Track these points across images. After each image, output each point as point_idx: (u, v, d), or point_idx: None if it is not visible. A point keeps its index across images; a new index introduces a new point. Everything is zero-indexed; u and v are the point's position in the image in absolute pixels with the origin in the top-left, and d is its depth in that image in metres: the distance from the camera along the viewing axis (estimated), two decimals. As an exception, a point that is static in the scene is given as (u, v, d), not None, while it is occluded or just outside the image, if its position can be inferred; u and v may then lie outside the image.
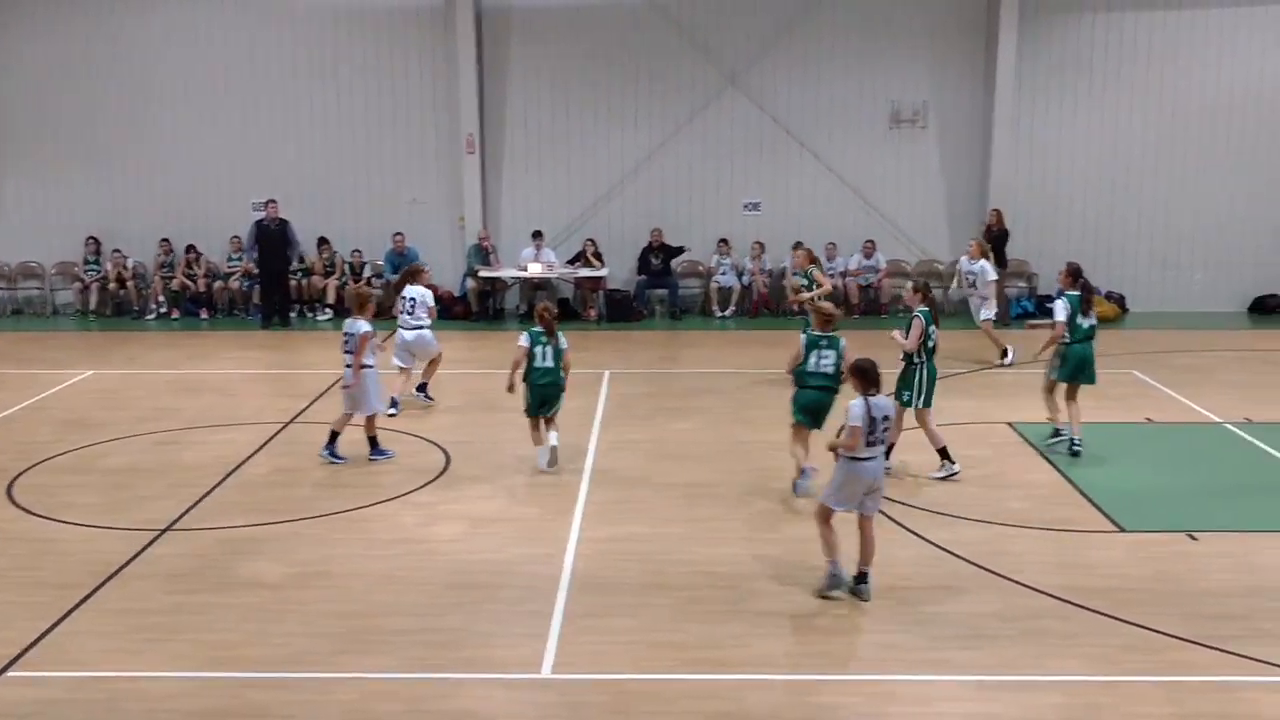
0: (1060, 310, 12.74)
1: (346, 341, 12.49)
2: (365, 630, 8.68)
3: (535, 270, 20.98)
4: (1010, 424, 14.00)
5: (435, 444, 13.33)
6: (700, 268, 22.20)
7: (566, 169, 22.05)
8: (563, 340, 12.38)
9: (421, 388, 15.06)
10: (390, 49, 21.76)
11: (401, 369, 14.90)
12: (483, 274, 21.18)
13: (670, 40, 21.60)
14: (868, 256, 21.66)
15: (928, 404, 11.90)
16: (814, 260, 16.82)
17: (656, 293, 21.91)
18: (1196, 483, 12.12)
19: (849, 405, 8.93)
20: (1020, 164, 21.57)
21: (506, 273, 21.45)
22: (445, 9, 21.40)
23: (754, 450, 13.02)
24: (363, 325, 12.47)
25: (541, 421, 12.51)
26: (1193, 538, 10.45)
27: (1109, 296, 21.39)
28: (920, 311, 11.84)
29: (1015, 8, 20.91)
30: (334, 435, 12.68)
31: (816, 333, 11.23)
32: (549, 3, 21.62)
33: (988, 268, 17.51)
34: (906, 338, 11.80)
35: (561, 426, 13.16)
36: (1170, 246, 21.87)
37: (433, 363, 15.14)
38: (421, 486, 11.92)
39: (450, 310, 21.17)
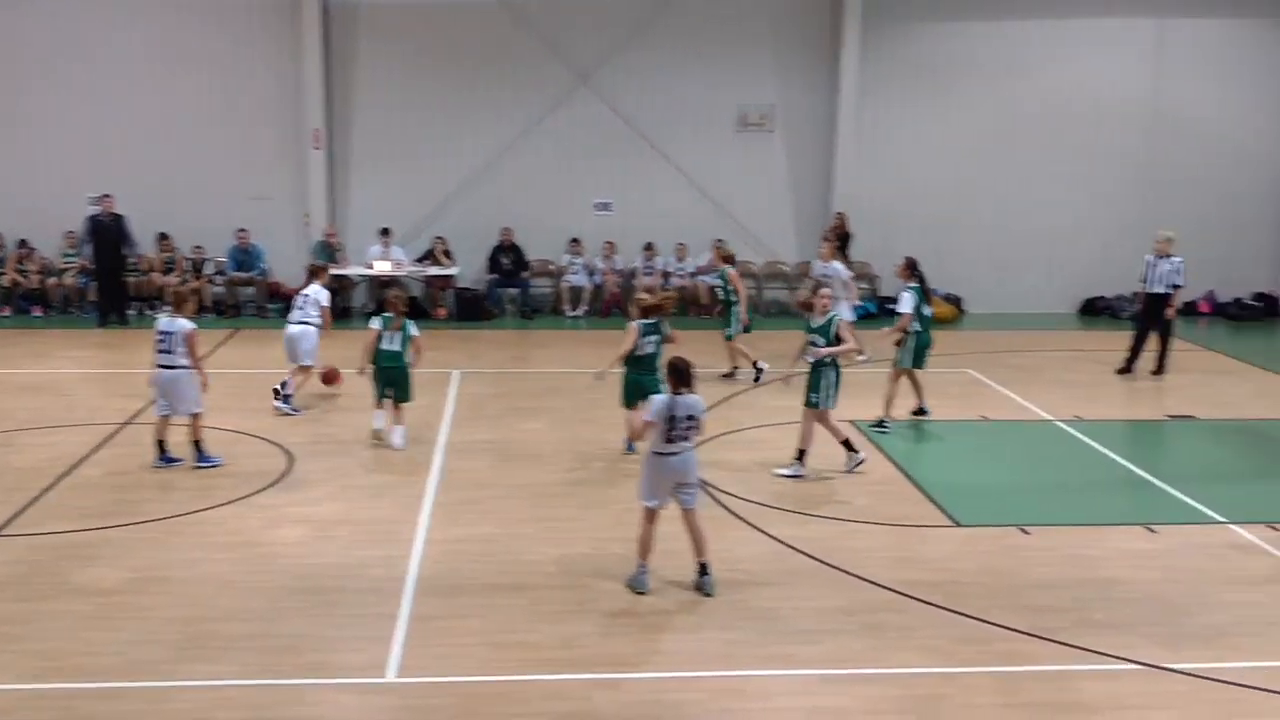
0: (906, 302, 13.72)
1: (162, 340, 11.97)
2: (205, 636, 8.46)
3: (383, 268, 20.71)
4: (853, 422, 14.30)
5: (278, 445, 13.06)
6: (551, 267, 22.18)
7: (415, 166, 21.81)
8: (411, 328, 12.85)
9: (283, 393, 14.49)
10: (234, 40, 21.23)
11: (302, 368, 14.71)
12: (329, 271, 20.76)
13: (521, 39, 21.53)
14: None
15: (831, 405, 12.18)
16: (727, 259, 16.76)
17: (507, 292, 21.83)
18: (1029, 478, 12.57)
19: (652, 398, 9.23)
20: (863, 168, 22.06)
21: (353, 270, 21.12)
22: (291, 1, 20.97)
23: (601, 450, 13.06)
24: (185, 323, 11.99)
25: (388, 405, 12.95)
26: (1025, 531, 10.83)
27: (947, 298, 22.04)
28: (836, 316, 12.26)
29: (858, 15, 21.39)
30: (161, 444, 12.21)
31: (643, 320, 12.37)
32: (398, -3, 21.40)
33: (840, 268, 17.87)
34: (827, 346, 12.10)
35: (411, 426, 13.17)
36: (1006, 250, 22.63)
37: (303, 370, 14.70)
38: (264, 489, 11.66)
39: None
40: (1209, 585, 9.77)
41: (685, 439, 9.11)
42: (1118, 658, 8.39)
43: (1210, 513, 11.38)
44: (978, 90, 22.15)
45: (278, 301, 21.16)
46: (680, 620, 8.89)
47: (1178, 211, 22.22)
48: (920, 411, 14.32)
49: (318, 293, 14.83)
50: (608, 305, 21.76)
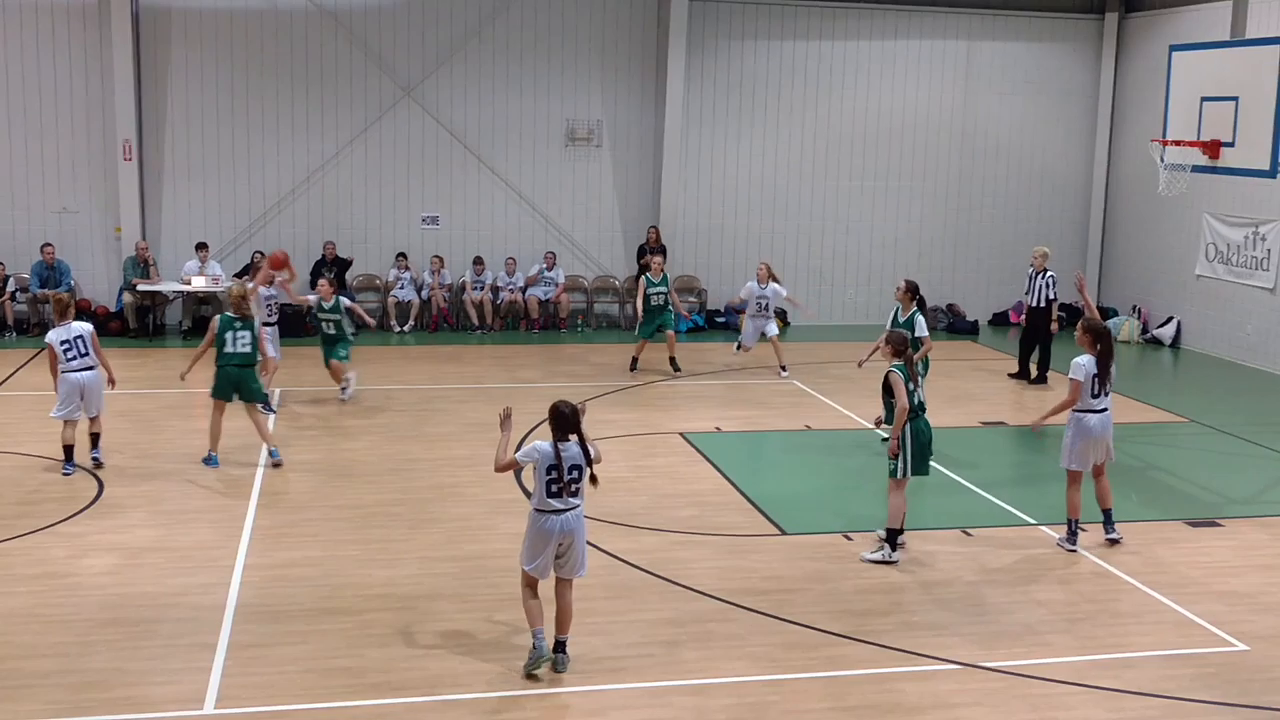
0: (923, 325, 13.68)
1: (69, 347, 12.23)
2: (6, 675, 8.02)
3: (200, 284, 20.05)
4: (682, 434, 14.44)
5: (86, 470, 12.49)
6: (377, 281, 21.83)
7: (233, 178, 21.22)
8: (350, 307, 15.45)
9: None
10: (38, 46, 20.30)
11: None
12: (141, 288, 20.06)
13: (343, 49, 21.16)
14: (549, 269, 21.86)
15: (915, 472, 10.62)
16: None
17: (331, 308, 21.32)
18: (851, 485, 12.85)
19: (535, 444, 8.22)
20: (688, 182, 22.34)
21: (168, 286, 20.39)
22: (99, 6, 20.19)
23: (429, 468, 12.89)
24: (86, 325, 12.46)
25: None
26: (848, 538, 11.07)
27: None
28: (895, 366, 10.70)
29: (684, 33, 21.65)
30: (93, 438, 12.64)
31: (230, 314, 12.63)
32: (212, 5, 20.75)
33: (780, 290, 17.87)
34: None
35: (226, 449, 12.98)
36: (826, 263, 23.16)
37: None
38: (71, 516, 11.14)
39: (105, 326, 19.96)
40: (1021, 585, 10.13)
41: (574, 494, 8.16)
42: (937, 658, 8.63)
43: (1022, 515, 11.81)
44: (798, 107, 22.63)
45: (84, 319, 20.29)
46: (510, 639, 8.78)
47: (988, 226, 23.27)
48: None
49: (277, 293, 15.86)
50: (435, 321, 21.52)
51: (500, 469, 8.37)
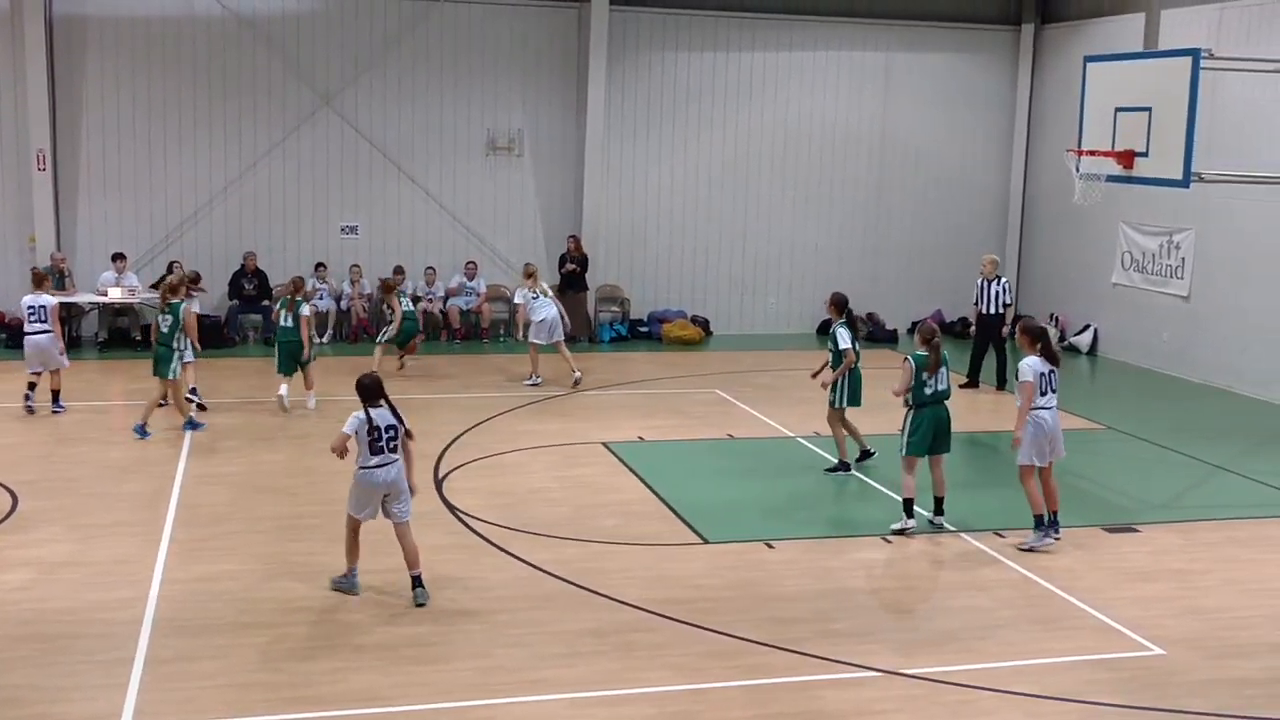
0: (845, 338, 13.25)
1: (34, 312, 15.06)
2: (-87, 695, 7.86)
3: (116, 295, 19.73)
4: (605, 444, 14.46)
5: (7, 489, 12.21)
6: (296, 292, 21.59)
7: (150, 188, 20.89)
8: (304, 308, 15.74)
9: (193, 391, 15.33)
10: (-55, 53, 19.90)
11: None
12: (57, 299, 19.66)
13: (261, 58, 20.94)
14: (470, 278, 21.78)
15: (914, 451, 11.57)
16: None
17: (250, 318, 21.11)
18: (773, 494, 12.92)
19: (354, 415, 9.43)
20: (610, 192, 22.38)
21: (83, 297, 20.04)
22: (11, 14, 19.79)
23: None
24: (51, 299, 15.32)
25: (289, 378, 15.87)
26: (770, 546, 11.14)
27: (694, 320, 22.55)
28: (913, 356, 11.61)
29: (604, 41, 21.70)
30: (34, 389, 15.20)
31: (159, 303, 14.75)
32: (128, 13, 20.44)
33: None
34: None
35: (144, 461, 12.69)
36: (748, 272, 23.33)
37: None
38: (-17, 532, 10.93)
39: (21, 338, 19.55)
40: (941, 592, 10.28)
41: (391, 450, 9.47)
42: (858, 665, 8.72)
43: (943, 522, 11.95)
44: (719, 117, 22.78)
45: (1, 330, 19.94)
46: (433, 651, 8.76)
47: (906, 235, 23.60)
48: (865, 454, 13.78)
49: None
50: (355, 331, 21.34)
51: (335, 448, 9.49)
